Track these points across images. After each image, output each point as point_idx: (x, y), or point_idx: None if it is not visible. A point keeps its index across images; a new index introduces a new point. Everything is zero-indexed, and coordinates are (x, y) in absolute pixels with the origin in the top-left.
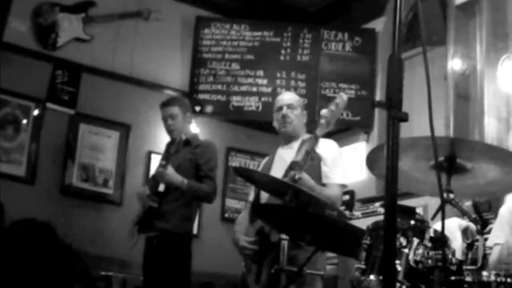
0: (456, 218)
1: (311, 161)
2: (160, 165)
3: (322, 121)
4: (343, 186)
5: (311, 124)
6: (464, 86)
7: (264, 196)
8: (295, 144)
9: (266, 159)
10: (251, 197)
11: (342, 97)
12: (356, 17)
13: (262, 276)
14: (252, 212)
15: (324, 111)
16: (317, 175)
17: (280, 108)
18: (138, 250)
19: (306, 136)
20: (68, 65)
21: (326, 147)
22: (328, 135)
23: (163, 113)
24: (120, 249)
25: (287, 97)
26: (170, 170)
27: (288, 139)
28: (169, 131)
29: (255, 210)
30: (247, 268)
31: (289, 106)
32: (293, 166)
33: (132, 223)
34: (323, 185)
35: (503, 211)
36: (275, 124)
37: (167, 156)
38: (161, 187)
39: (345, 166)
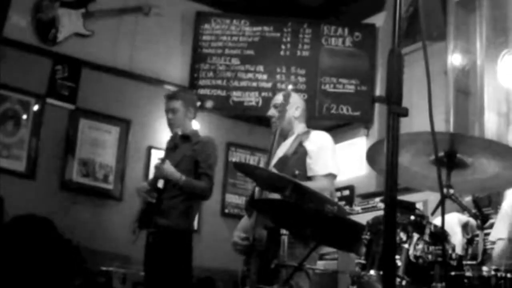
0: (456, 213)
1: (296, 155)
2: (159, 161)
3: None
4: (331, 175)
5: (310, 120)
6: (464, 81)
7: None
8: (290, 139)
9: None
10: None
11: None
12: (356, 12)
13: (250, 272)
14: (251, 206)
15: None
16: (303, 169)
17: (269, 109)
18: (138, 245)
19: (304, 129)
20: (68, 60)
21: (312, 140)
22: (328, 130)
23: (165, 106)
24: (120, 244)
25: (276, 98)
26: (168, 166)
27: (284, 135)
28: (169, 125)
29: (255, 206)
30: (244, 263)
31: (275, 106)
32: (280, 161)
33: (133, 219)
34: (309, 178)
35: (505, 206)
36: None
37: (167, 152)
38: (160, 183)
39: (335, 155)
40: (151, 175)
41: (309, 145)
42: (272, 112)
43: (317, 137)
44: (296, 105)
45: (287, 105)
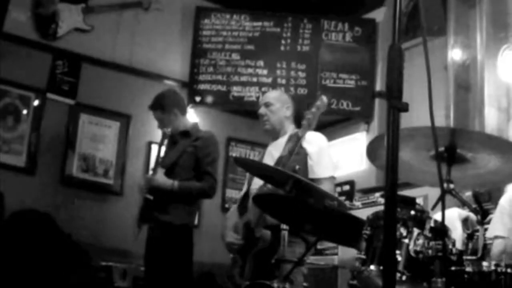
0: (456, 208)
1: (297, 156)
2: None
3: (304, 122)
4: (332, 178)
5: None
6: (464, 76)
7: (256, 186)
8: (282, 139)
9: (259, 156)
10: (243, 191)
11: (323, 100)
12: (356, 7)
13: (245, 269)
14: (254, 202)
15: (306, 113)
16: (304, 170)
17: (259, 107)
18: (139, 240)
19: (294, 130)
20: (68, 55)
21: (312, 141)
22: (328, 125)
23: (153, 115)
24: (120, 239)
25: (265, 96)
26: (158, 176)
27: (274, 135)
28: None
29: (255, 201)
30: (233, 261)
31: (266, 104)
32: (279, 161)
33: (136, 215)
34: (311, 180)
35: (503, 202)
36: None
37: (161, 148)
38: (149, 196)
39: (333, 157)
40: (150, 172)
41: (308, 146)
42: (263, 110)
43: (315, 139)
44: (287, 105)
45: (320, 113)
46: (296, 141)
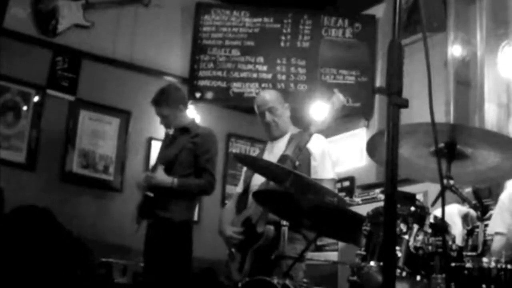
0: (456, 204)
1: (301, 156)
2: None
3: (318, 119)
4: (333, 180)
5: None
6: (464, 72)
7: (257, 183)
8: (284, 138)
9: (258, 153)
10: (239, 188)
11: (339, 97)
12: (356, 3)
13: (245, 265)
14: (254, 198)
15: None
16: (307, 170)
17: (262, 114)
18: (138, 236)
19: (296, 130)
20: (68, 52)
21: (315, 142)
22: None
23: (154, 110)
24: (120, 236)
25: (263, 100)
26: (158, 174)
27: (280, 136)
28: (164, 127)
29: (256, 197)
30: (230, 257)
31: (271, 110)
32: (283, 159)
33: (135, 211)
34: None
35: (503, 198)
36: (262, 125)
37: (164, 145)
38: (149, 193)
39: (334, 159)
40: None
41: (312, 147)
42: (270, 117)
43: (318, 140)
44: (285, 104)
45: (335, 111)
46: (307, 138)
